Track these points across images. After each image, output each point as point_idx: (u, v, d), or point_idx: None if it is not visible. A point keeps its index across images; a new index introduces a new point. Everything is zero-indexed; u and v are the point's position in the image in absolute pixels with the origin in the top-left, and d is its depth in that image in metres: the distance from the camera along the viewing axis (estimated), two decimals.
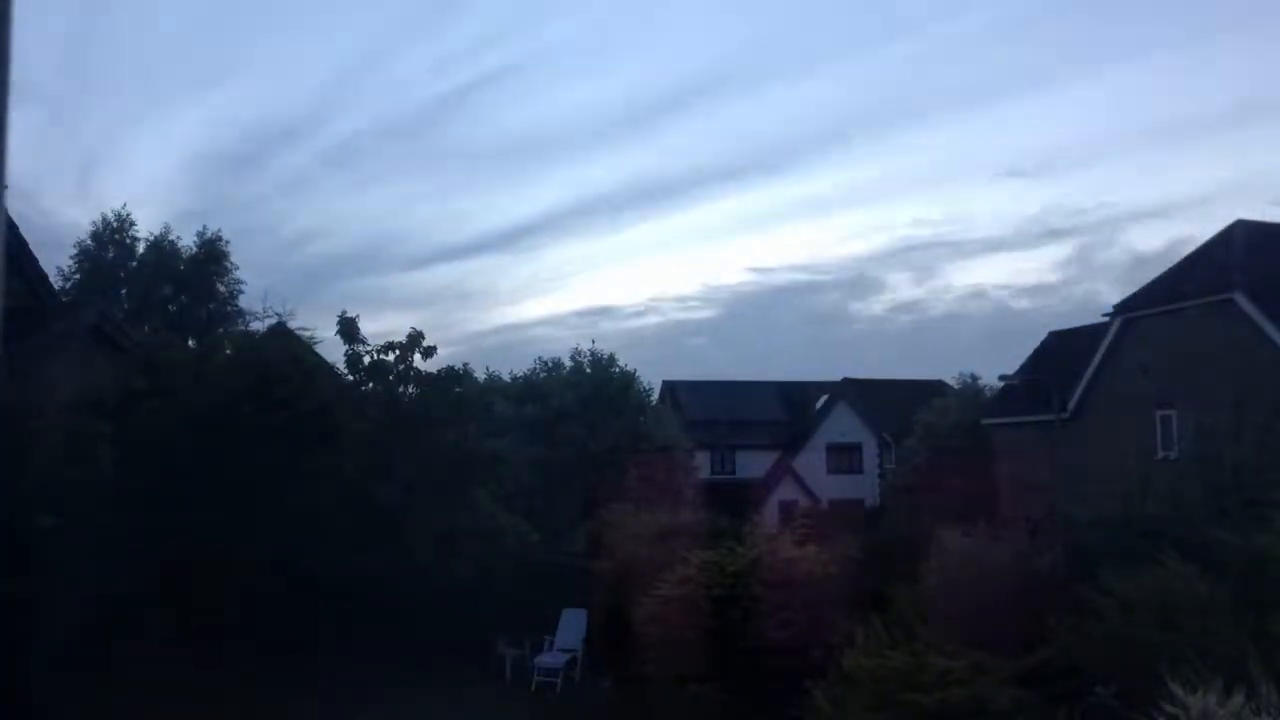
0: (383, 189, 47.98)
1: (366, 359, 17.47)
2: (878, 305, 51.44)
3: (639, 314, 57.44)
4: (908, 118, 50.19)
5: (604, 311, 61.60)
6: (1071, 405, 27.11)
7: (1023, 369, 30.68)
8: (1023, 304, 41.50)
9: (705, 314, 53.14)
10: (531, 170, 45.93)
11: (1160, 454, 23.56)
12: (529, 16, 48.69)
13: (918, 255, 47.50)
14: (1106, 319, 27.29)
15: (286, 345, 16.72)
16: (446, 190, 44.64)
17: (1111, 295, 37.14)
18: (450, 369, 18.16)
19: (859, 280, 45.94)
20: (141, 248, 29.34)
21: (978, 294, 45.43)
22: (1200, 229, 44.04)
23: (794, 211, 50.84)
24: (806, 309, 46.88)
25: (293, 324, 18.41)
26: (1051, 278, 42.22)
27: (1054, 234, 43.97)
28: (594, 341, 36.98)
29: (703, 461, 39.32)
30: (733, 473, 45.99)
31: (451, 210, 47.64)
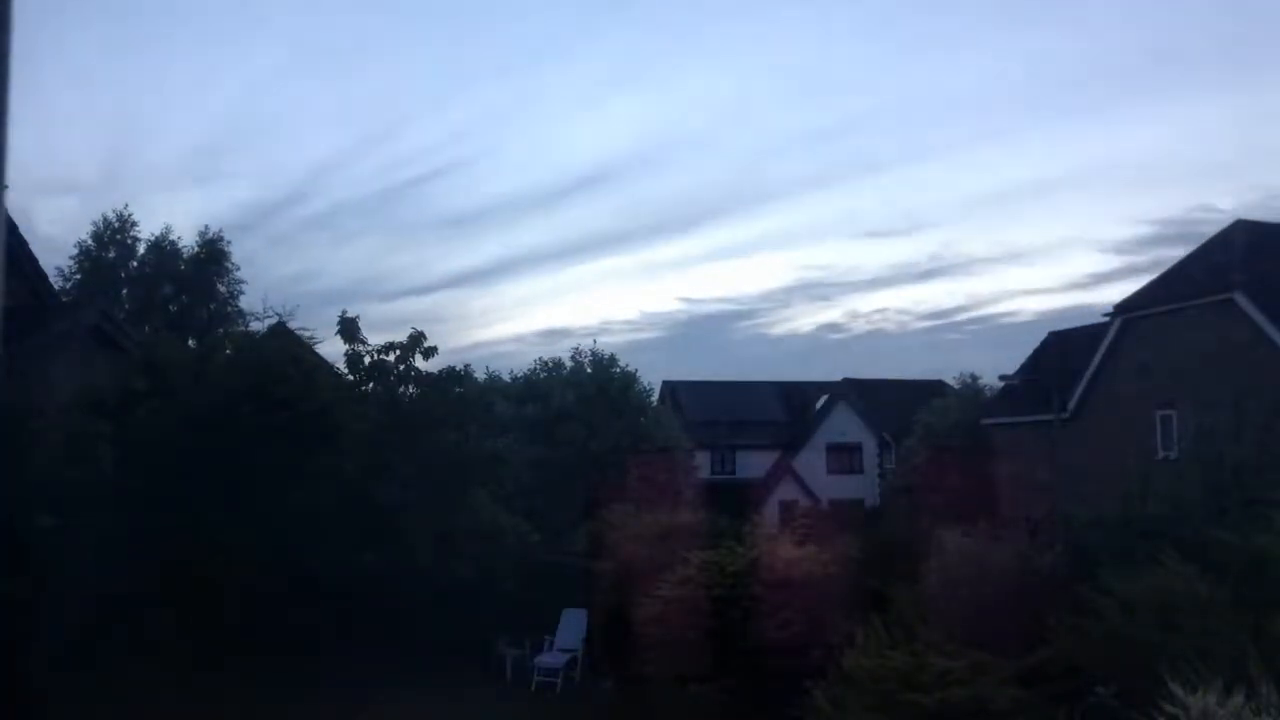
0: (358, 245, 59.12)
1: (366, 359, 17.47)
2: (805, 325, 62.96)
3: (593, 334, 61.23)
4: (785, 189, 63.59)
5: (562, 332, 72.32)
6: (1071, 405, 27.10)
7: (1023, 369, 30.68)
8: (925, 324, 53.61)
9: (649, 334, 62.46)
10: (489, 229, 61.43)
11: (1160, 454, 23.56)
12: (481, 118, 63.08)
13: (817, 289, 62.52)
14: (1107, 319, 27.29)
15: (287, 345, 16.68)
16: (414, 245, 53.59)
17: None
18: (450, 369, 18.16)
19: (772, 305, 58.80)
20: (142, 248, 29.37)
21: (886, 317, 57.98)
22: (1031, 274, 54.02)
23: (708, 256, 64.80)
24: (733, 329, 59.52)
25: (293, 324, 18.42)
26: (946, 304, 55.44)
27: (923, 275, 57.66)
28: (595, 341, 36.96)
29: (703, 461, 39.32)
30: (733, 473, 45.98)
31: (419, 258, 62.47)
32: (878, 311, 64.07)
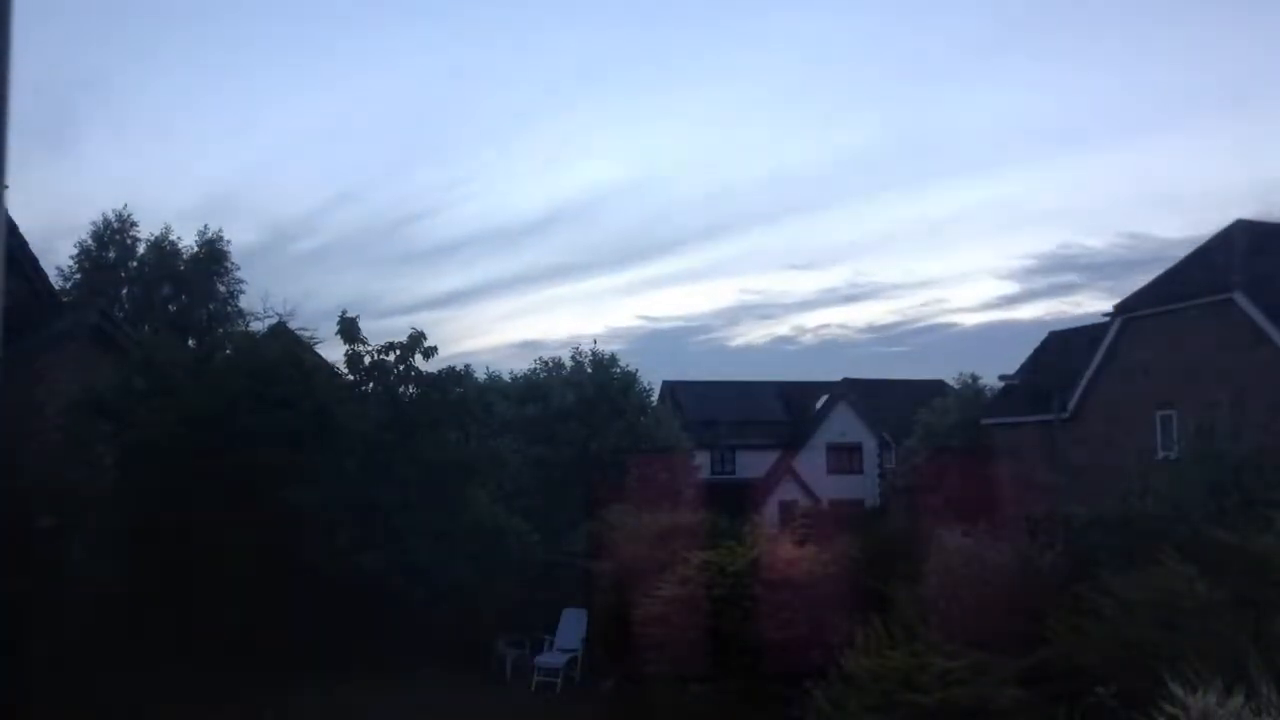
0: (351, 274, 64.79)
1: (367, 359, 17.47)
2: (758, 338, 71.89)
3: (564, 346, 71.91)
4: (721, 228, 75.25)
5: (536, 344, 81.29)
6: (1071, 405, 27.11)
7: (1023, 369, 30.70)
8: (866, 336, 63.32)
9: (615, 346, 68.47)
10: (468, 260, 70.57)
11: (1160, 454, 23.56)
12: (456, 170, 71.56)
13: (760, 309, 72.19)
14: (1106, 319, 27.30)
15: (287, 345, 16.70)
16: (398, 275, 64.56)
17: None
18: (450, 369, 18.17)
19: (723, 323, 67.58)
20: (142, 248, 29.34)
21: (830, 331, 67.37)
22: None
23: (659, 282, 74.53)
24: (693, 341, 67.21)
25: (293, 324, 18.42)
26: (881, 320, 65.54)
27: (847, 298, 68.70)
28: (595, 341, 36.93)
29: (703, 461, 39.30)
30: (733, 473, 45.99)
31: (402, 285, 69.69)
32: (822, 326, 74.16)
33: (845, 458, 46.87)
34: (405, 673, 14.33)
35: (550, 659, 15.94)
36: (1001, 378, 28.53)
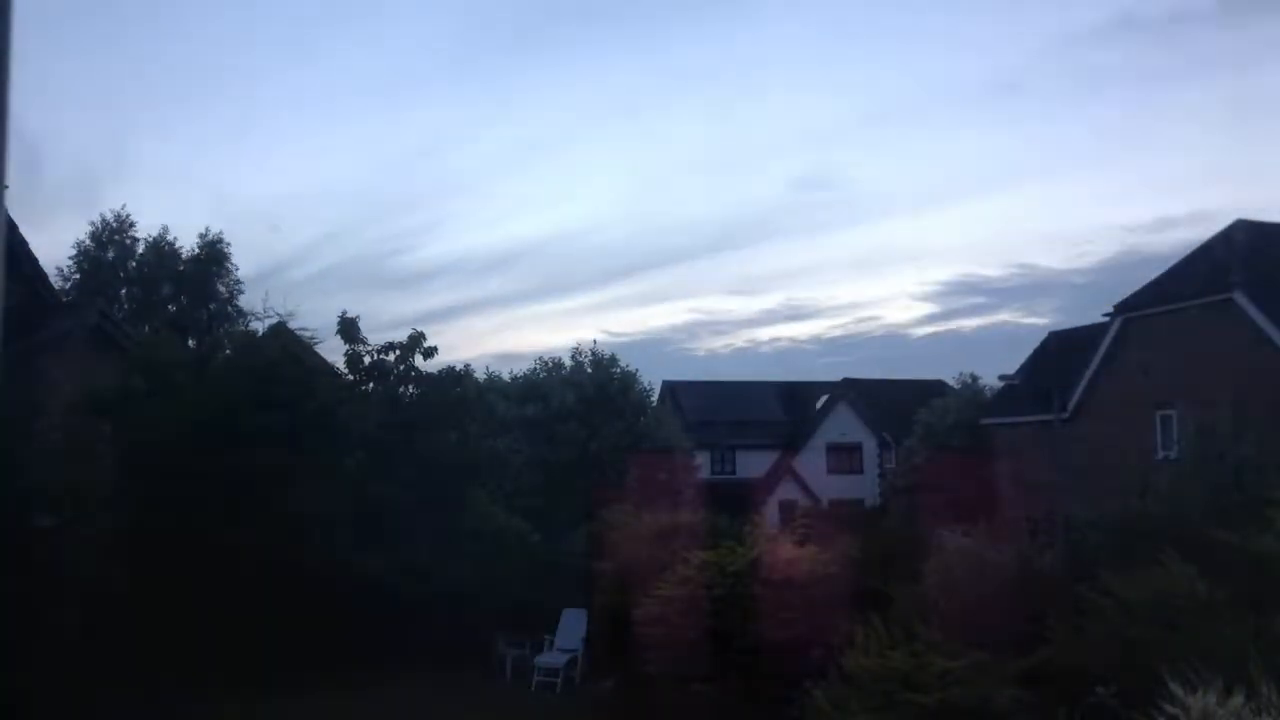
0: (343, 296, 70.31)
1: (366, 359, 17.48)
2: (720, 348, 77.29)
3: (536, 356, 68.41)
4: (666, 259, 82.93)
5: (513, 356, 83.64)
6: (1071, 405, 27.09)
7: (1023, 369, 30.66)
8: (816, 347, 72.28)
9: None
10: (444, 284, 73.74)
11: (1160, 454, 23.55)
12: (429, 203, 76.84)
13: (712, 326, 78.34)
14: (1107, 319, 27.29)
15: (287, 345, 16.71)
16: (384, 296, 67.17)
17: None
18: (450, 369, 18.19)
19: (682, 338, 74.08)
20: (141, 248, 29.32)
21: (785, 344, 74.15)
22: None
23: (617, 304, 78.07)
24: (660, 352, 70.71)
25: (293, 324, 18.44)
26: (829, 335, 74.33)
27: (788, 318, 76.53)
28: (595, 341, 36.84)
29: (703, 461, 39.27)
30: (733, 473, 45.95)
31: (386, 305, 74.30)
32: (775, 339, 79.88)
33: (845, 458, 46.83)
34: (406, 672, 14.33)
35: (550, 659, 15.94)
36: (1001, 378, 28.42)
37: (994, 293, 75.38)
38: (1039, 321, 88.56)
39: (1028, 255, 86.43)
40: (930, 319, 76.79)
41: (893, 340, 71.73)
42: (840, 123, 77.44)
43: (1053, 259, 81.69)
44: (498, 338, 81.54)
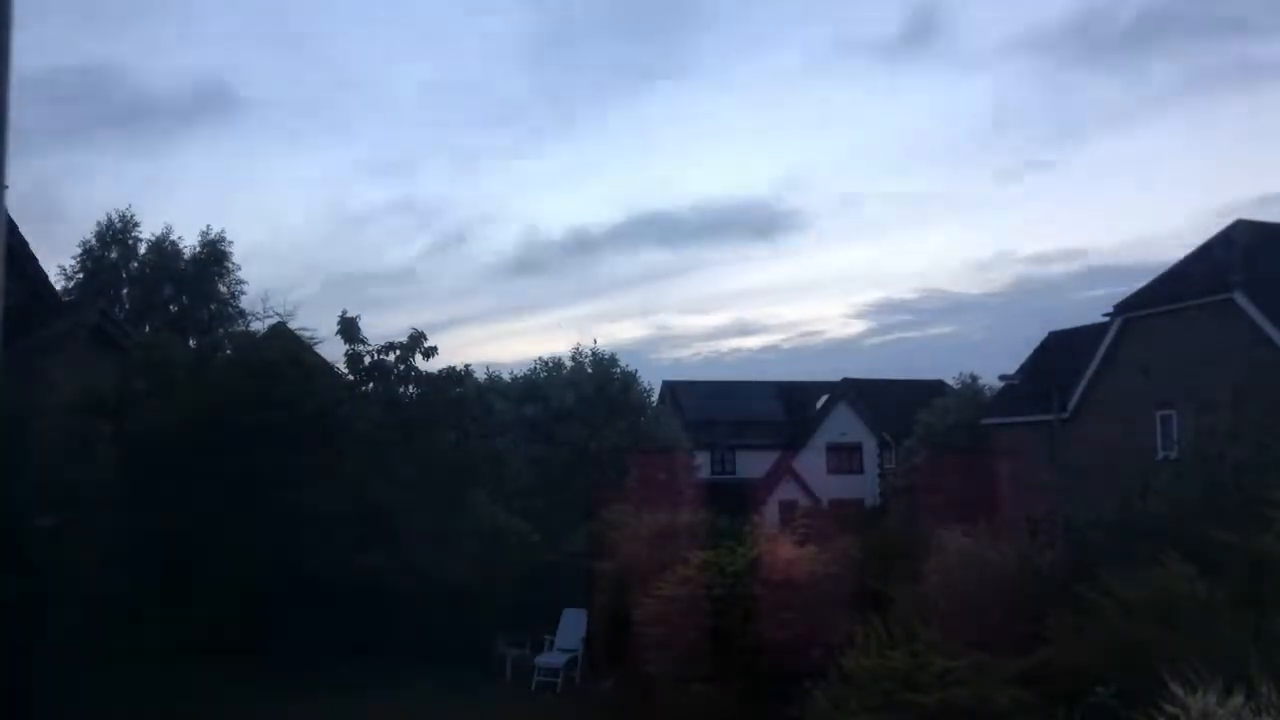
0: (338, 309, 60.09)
1: (367, 359, 17.47)
2: (687, 357, 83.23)
3: (516, 365, 70.39)
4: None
5: (492, 364, 73.96)
6: (1071, 405, 27.10)
7: (1023, 369, 30.66)
8: (771, 355, 75.45)
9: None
10: (426, 302, 75.59)
11: (1160, 454, 23.56)
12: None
13: (673, 340, 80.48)
14: (1106, 319, 27.29)
15: (287, 345, 16.71)
16: (371, 313, 70.31)
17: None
18: (450, 369, 18.16)
19: (646, 349, 75.22)
20: (143, 248, 29.36)
21: (747, 353, 79.59)
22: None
23: (582, 320, 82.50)
24: (633, 360, 67.18)
25: (293, 324, 18.44)
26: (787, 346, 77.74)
27: (741, 333, 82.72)
28: (595, 341, 36.83)
29: (703, 461, 39.29)
30: (733, 473, 45.96)
31: (376, 319, 73.67)
32: (735, 350, 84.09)
33: (845, 458, 46.84)
34: (405, 672, 14.33)
35: (550, 659, 15.94)
36: (1001, 378, 28.45)
37: (914, 313, 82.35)
38: (958, 332, 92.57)
39: (936, 282, 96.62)
40: (871, 333, 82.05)
41: (841, 348, 76.69)
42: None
43: (960, 284, 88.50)
44: (476, 349, 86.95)
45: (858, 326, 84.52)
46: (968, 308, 77.88)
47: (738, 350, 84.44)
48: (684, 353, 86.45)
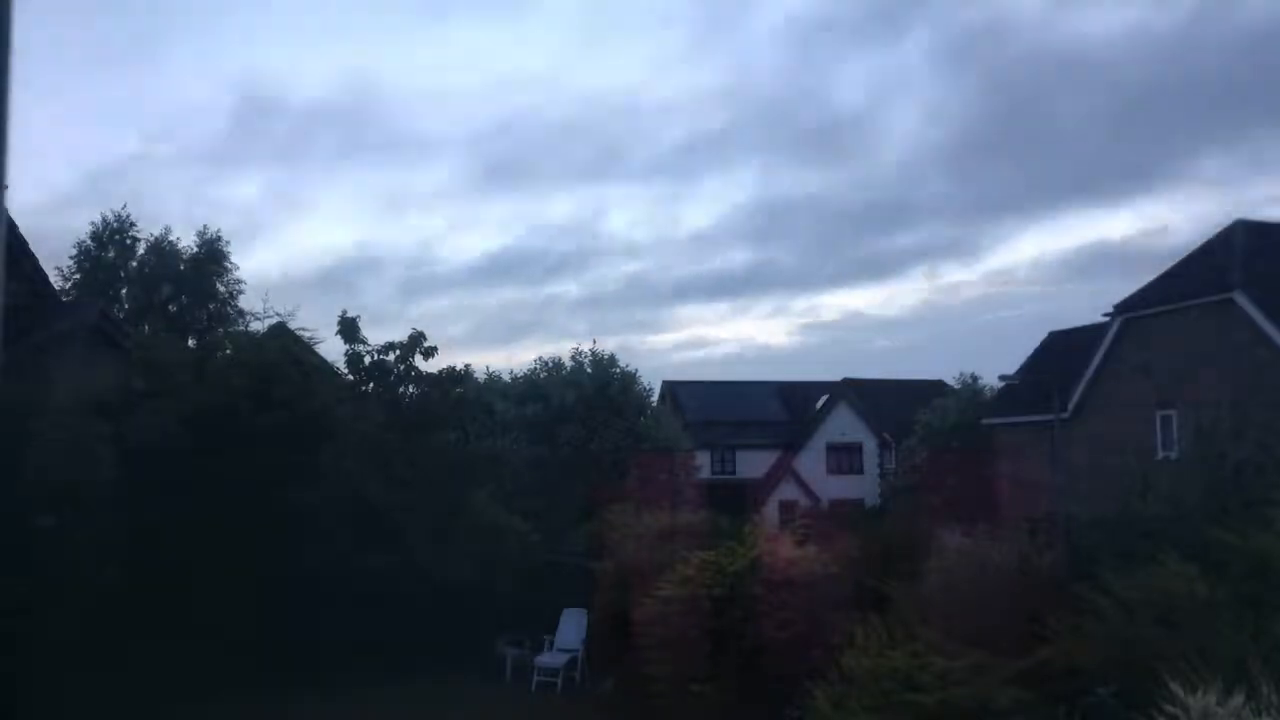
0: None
1: (367, 359, 17.48)
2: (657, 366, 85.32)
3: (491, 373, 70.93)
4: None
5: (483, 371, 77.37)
6: (1071, 405, 27.10)
7: (1023, 369, 30.66)
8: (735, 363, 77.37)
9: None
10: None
11: (1160, 454, 23.56)
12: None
13: (633, 354, 69.87)
14: (1107, 319, 27.28)
15: (286, 345, 16.71)
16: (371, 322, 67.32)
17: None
18: (450, 369, 18.18)
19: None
20: (142, 248, 29.32)
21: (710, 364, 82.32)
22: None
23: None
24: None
25: (293, 324, 18.43)
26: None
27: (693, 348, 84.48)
28: (594, 341, 36.85)
29: (703, 461, 39.28)
30: (733, 473, 45.98)
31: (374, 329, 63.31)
32: (691, 361, 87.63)
33: (845, 458, 46.86)
34: (405, 672, 14.33)
35: (550, 659, 15.94)
36: (1001, 378, 28.46)
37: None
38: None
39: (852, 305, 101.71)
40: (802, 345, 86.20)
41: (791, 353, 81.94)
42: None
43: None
44: (461, 357, 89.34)
45: (796, 340, 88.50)
46: (885, 326, 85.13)
47: (704, 363, 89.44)
48: (651, 364, 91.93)
